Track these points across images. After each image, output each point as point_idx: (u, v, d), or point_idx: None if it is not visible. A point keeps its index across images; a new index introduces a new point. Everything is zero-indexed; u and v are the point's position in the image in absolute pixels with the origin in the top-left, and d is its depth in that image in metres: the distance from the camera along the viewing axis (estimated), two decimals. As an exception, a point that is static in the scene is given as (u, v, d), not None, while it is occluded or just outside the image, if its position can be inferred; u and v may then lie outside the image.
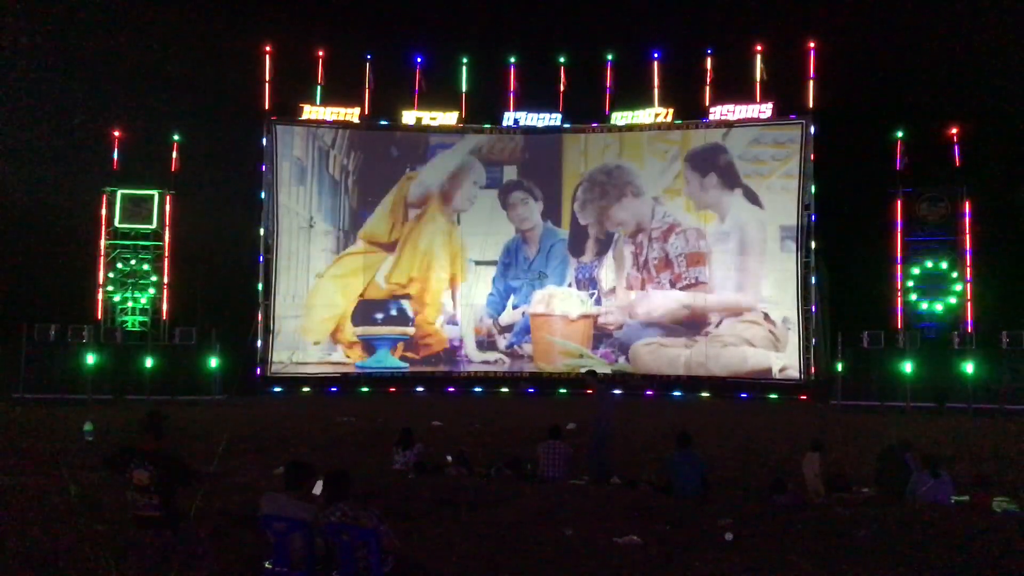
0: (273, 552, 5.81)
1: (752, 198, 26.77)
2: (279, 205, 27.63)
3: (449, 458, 11.77)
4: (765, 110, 26.68)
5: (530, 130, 28.48)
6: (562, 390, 27.03)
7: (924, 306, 25.05)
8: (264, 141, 27.54)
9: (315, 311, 27.73)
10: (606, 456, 11.06)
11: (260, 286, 27.16)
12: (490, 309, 28.22)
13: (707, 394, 25.86)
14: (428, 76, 28.82)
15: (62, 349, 23.65)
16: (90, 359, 23.41)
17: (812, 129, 26.12)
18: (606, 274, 27.79)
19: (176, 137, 26.45)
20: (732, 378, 26.20)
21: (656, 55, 27.99)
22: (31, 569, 6.61)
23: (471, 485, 10.14)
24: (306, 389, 26.81)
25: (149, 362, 23.81)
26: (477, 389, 27.37)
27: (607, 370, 27.41)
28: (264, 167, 27.49)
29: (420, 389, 27.25)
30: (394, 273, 28.16)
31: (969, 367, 22.60)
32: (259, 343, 26.88)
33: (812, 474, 10.45)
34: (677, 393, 26.17)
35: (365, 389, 27.08)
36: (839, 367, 23.62)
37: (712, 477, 10.51)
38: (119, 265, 25.95)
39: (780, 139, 26.63)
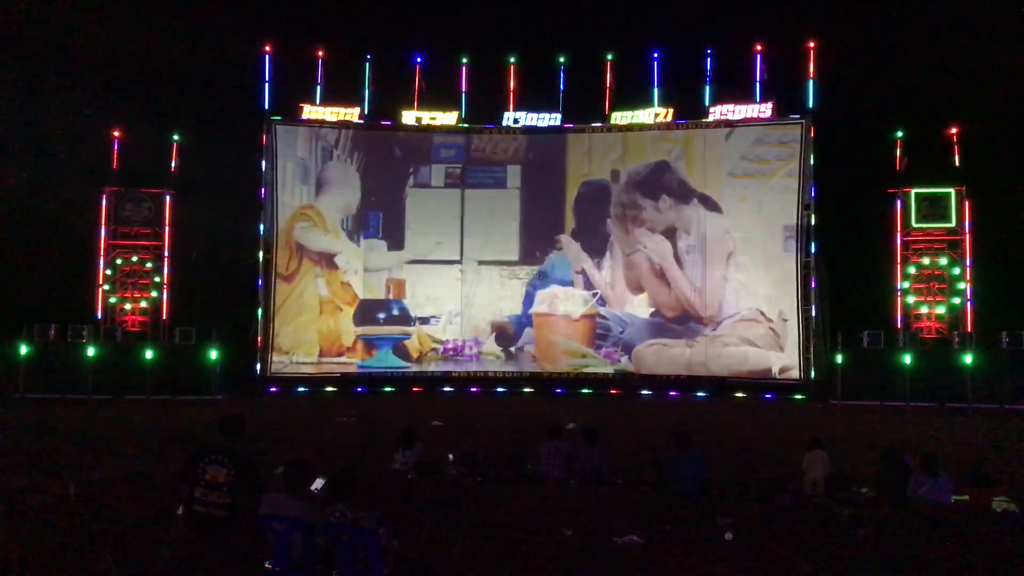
0: (273, 552, 5.80)
1: (710, 205, 26.84)
2: (279, 205, 27.63)
3: (451, 456, 11.76)
4: (765, 110, 26.69)
5: (530, 130, 28.47)
6: (558, 390, 27.04)
7: (924, 306, 25.07)
8: (264, 141, 27.53)
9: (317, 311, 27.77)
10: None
11: (260, 286, 27.14)
12: (493, 309, 28.25)
13: (707, 394, 25.86)
14: (428, 76, 28.82)
15: (62, 349, 23.65)
16: (90, 358, 23.44)
17: (812, 129, 26.13)
18: (606, 275, 27.89)
19: (176, 137, 26.44)
20: (733, 378, 26.20)
21: (656, 55, 27.98)
22: (32, 569, 6.61)
23: (471, 485, 10.14)
24: (306, 389, 26.80)
25: (149, 362, 23.82)
26: (477, 389, 27.37)
27: (609, 370, 27.48)
28: (264, 167, 27.49)
29: (420, 389, 27.24)
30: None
31: (969, 366, 22.65)
32: (259, 343, 26.87)
33: (820, 471, 10.46)
34: (677, 393, 26.15)
35: (365, 389, 27.07)
36: (838, 358, 23.65)
37: (712, 477, 10.51)
38: (119, 265, 25.93)
39: (782, 139, 26.63)
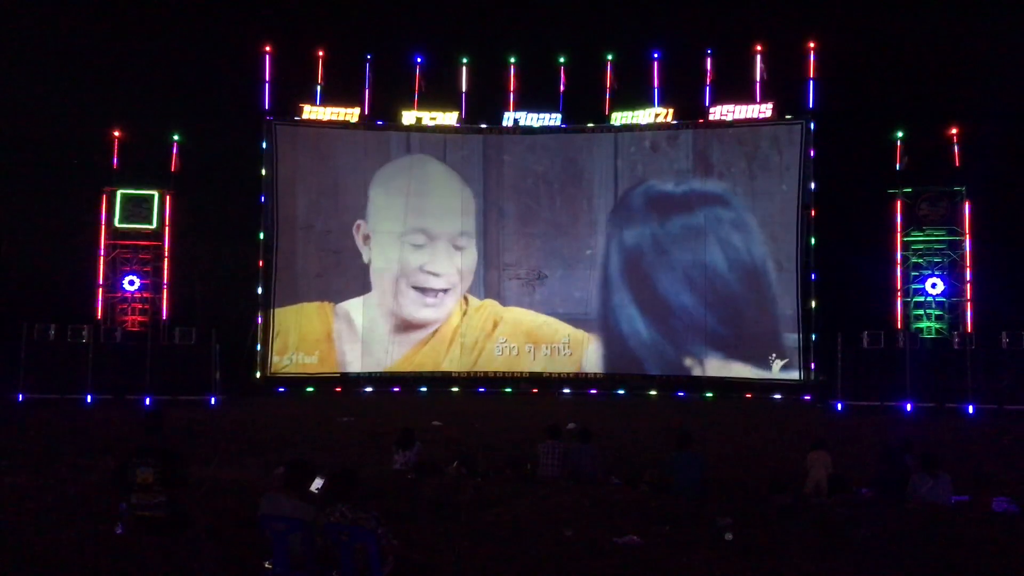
0: (273, 552, 5.81)
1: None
2: (280, 204, 27.59)
3: (455, 463, 11.72)
4: (765, 110, 26.68)
5: (530, 130, 28.46)
6: (565, 390, 27.04)
7: (924, 306, 25.05)
8: (264, 141, 27.53)
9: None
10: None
11: (260, 286, 27.13)
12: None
13: (708, 394, 25.84)
14: (428, 76, 28.80)
15: (62, 349, 23.64)
16: (90, 358, 23.43)
17: (812, 129, 26.13)
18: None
19: (176, 137, 26.44)
20: (733, 378, 26.18)
21: (656, 55, 27.97)
22: (31, 569, 6.61)
23: (471, 485, 10.15)
24: (307, 389, 26.79)
25: (149, 362, 23.81)
26: (478, 389, 27.35)
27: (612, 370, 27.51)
28: (264, 167, 27.47)
29: (421, 389, 27.23)
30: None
31: (969, 366, 22.65)
32: (259, 343, 26.87)
33: (823, 472, 10.46)
34: (679, 393, 26.14)
35: (366, 389, 27.05)
36: (839, 358, 23.62)
37: (712, 477, 10.52)
38: (119, 264, 25.92)
39: (783, 139, 26.61)
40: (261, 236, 27.21)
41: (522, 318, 28.04)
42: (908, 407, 22.62)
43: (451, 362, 27.91)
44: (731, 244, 26.70)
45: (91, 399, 22.84)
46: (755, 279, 26.48)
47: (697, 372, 26.64)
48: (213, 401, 23.25)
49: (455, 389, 27.30)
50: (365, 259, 27.86)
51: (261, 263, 27.16)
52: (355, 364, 27.61)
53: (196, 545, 6.05)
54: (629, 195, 27.80)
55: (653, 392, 26.31)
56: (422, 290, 27.87)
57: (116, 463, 6.02)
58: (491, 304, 28.14)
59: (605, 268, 27.82)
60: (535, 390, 27.09)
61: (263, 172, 27.40)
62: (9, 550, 7.00)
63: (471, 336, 27.97)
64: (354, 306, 27.76)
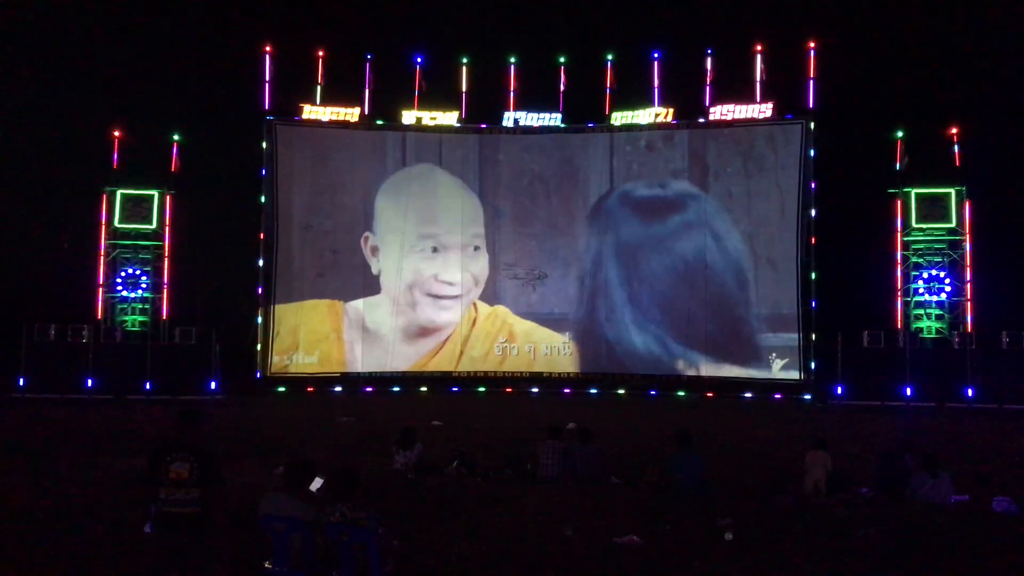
0: (273, 552, 5.81)
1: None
2: (279, 204, 27.58)
3: (455, 463, 11.71)
4: (765, 110, 26.66)
5: (530, 130, 28.44)
6: (554, 390, 27.01)
7: (924, 306, 25.06)
8: (264, 141, 27.51)
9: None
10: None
11: (260, 286, 27.12)
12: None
13: (707, 394, 25.82)
14: (428, 76, 28.79)
15: (62, 349, 23.65)
16: (90, 358, 23.45)
17: (812, 129, 26.12)
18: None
19: (176, 137, 26.43)
20: (732, 378, 26.17)
21: (656, 55, 27.96)
22: (31, 569, 6.61)
23: (471, 485, 10.16)
24: (306, 388, 26.77)
25: (149, 362, 23.81)
26: (478, 389, 27.34)
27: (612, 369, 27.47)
28: (264, 167, 27.46)
29: (421, 389, 27.22)
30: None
31: (969, 366, 22.67)
32: (259, 343, 26.85)
33: (823, 472, 10.45)
34: (678, 393, 26.14)
35: (366, 389, 27.03)
36: (839, 358, 23.63)
37: (712, 477, 10.52)
38: (119, 264, 25.93)
39: (782, 139, 26.58)
40: (261, 232, 27.14)
41: (526, 321, 28.03)
42: (908, 407, 22.63)
43: (460, 368, 27.94)
44: (719, 244, 26.70)
45: (91, 399, 22.84)
46: (749, 279, 26.47)
47: (692, 372, 26.65)
48: (213, 401, 23.24)
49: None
50: (375, 271, 27.87)
51: (261, 260, 27.08)
52: (358, 364, 27.59)
53: (214, 543, 6.03)
54: (606, 199, 27.78)
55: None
56: (437, 297, 27.89)
57: (147, 458, 5.95)
58: (501, 311, 28.09)
59: (594, 270, 27.82)
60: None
61: (263, 172, 27.39)
62: (10, 550, 7.00)
63: (480, 348, 27.95)
64: (360, 306, 27.77)
